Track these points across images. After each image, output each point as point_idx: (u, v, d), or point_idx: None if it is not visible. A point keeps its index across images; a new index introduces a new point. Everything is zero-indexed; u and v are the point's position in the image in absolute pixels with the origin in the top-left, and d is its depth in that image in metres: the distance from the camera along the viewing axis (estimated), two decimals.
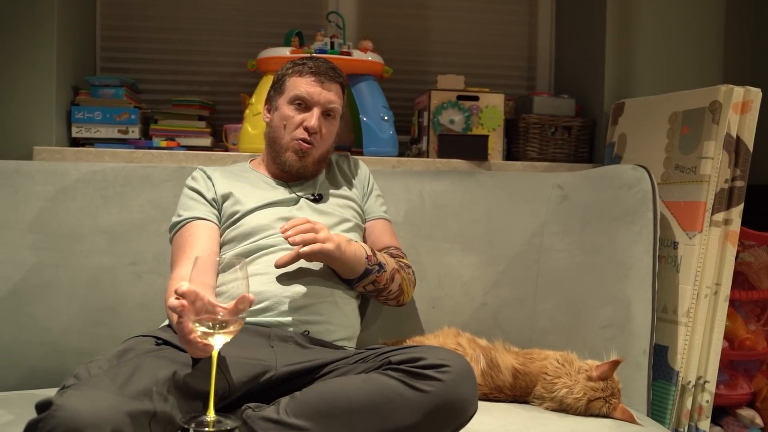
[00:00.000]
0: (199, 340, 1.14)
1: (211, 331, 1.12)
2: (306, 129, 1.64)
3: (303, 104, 1.66)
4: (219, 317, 1.12)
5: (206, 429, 1.13)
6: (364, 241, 1.74)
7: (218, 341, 1.14)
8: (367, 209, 1.78)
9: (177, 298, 1.12)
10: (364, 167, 1.85)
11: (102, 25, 2.52)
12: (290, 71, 1.69)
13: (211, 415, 1.14)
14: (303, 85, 1.65)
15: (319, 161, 1.70)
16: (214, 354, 1.15)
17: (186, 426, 1.16)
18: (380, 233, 1.76)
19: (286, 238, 1.45)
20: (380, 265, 1.59)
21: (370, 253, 1.58)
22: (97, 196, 1.84)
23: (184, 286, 1.12)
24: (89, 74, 2.41)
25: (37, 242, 1.78)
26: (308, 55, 1.75)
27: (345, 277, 1.58)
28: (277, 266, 1.49)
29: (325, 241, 1.47)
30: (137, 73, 2.50)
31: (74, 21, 2.27)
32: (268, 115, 1.74)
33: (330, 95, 1.67)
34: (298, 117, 1.65)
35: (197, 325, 1.13)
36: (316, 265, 1.57)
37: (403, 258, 1.72)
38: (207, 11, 2.59)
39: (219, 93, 2.54)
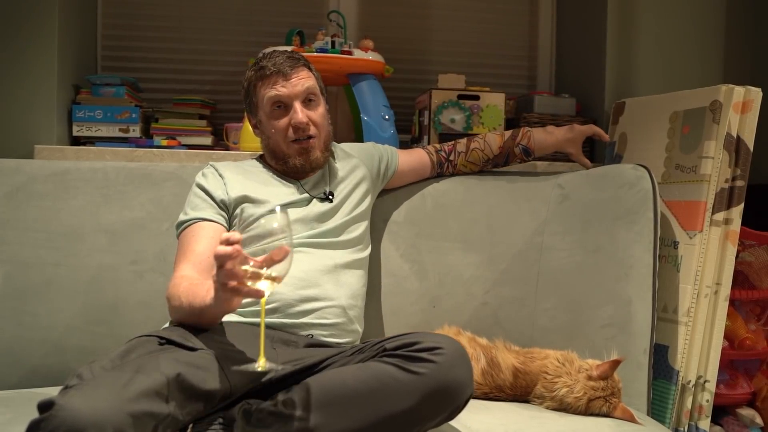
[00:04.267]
0: (249, 286, 1.15)
1: (262, 272, 1.13)
2: (296, 127, 1.63)
3: (282, 106, 1.64)
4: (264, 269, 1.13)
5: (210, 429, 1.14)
6: (408, 174, 1.92)
7: (265, 285, 1.15)
8: (389, 164, 1.87)
9: (227, 246, 1.14)
10: (362, 144, 1.88)
11: (103, 23, 2.53)
12: (253, 78, 1.66)
13: (261, 361, 1.15)
14: (271, 90, 1.62)
15: (326, 147, 1.70)
16: (263, 301, 1.17)
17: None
18: (411, 158, 1.92)
19: None
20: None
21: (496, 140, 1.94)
22: (98, 194, 1.84)
23: (235, 235, 1.14)
24: (90, 73, 2.41)
25: (38, 241, 1.78)
26: (260, 55, 1.72)
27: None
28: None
29: None
30: (138, 71, 2.50)
31: (75, 20, 2.27)
32: (256, 130, 1.74)
33: (300, 83, 1.63)
34: (284, 120, 1.64)
35: (247, 268, 1.13)
36: (327, 270, 1.58)
37: (452, 146, 1.96)
38: (208, 10, 2.59)
39: (220, 92, 2.54)
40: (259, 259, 1.13)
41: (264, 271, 1.13)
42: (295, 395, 1.22)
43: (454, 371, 1.21)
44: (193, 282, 1.43)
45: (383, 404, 1.19)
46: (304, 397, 1.21)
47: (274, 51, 1.69)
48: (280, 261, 1.13)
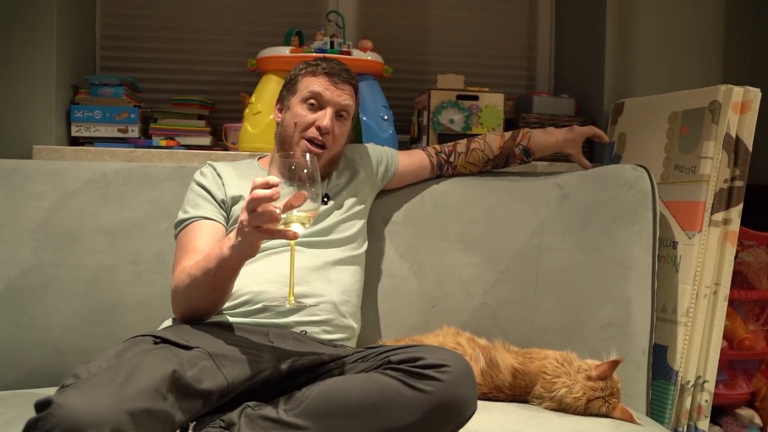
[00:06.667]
0: (283, 228, 1.20)
1: (295, 214, 1.19)
2: (318, 128, 1.64)
3: (316, 104, 1.65)
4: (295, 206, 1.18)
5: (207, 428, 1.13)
6: (407, 176, 1.92)
7: (297, 228, 1.21)
8: (389, 167, 1.87)
9: (266, 188, 1.18)
10: (364, 148, 1.87)
11: (102, 23, 2.53)
12: (303, 71, 1.69)
13: (291, 298, 1.26)
14: (317, 85, 1.65)
15: (331, 162, 1.71)
16: (292, 244, 1.27)
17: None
18: (410, 160, 1.92)
19: None
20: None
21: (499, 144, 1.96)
22: (96, 195, 1.84)
23: (274, 178, 1.18)
24: (89, 73, 2.41)
25: (37, 241, 1.78)
26: (321, 56, 1.75)
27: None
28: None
29: None
30: (137, 72, 2.50)
31: (74, 20, 2.27)
32: (279, 114, 1.73)
33: (344, 95, 1.67)
34: (311, 116, 1.65)
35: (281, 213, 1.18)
36: (316, 267, 1.58)
37: (452, 147, 1.96)
38: (207, 10, 2.58)
39: (219, 92, 2.54)
40: (280, 204, 1.17)
41: (295, 213, 1.19)
42: (297, 403, 1.23)
43: (459, 389, 1.22)
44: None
45: (386, 419, 1.20)
46: (306, 406, 1.21)
47: (333, 59, 1.73)
48: (299, 206, 1.18)
